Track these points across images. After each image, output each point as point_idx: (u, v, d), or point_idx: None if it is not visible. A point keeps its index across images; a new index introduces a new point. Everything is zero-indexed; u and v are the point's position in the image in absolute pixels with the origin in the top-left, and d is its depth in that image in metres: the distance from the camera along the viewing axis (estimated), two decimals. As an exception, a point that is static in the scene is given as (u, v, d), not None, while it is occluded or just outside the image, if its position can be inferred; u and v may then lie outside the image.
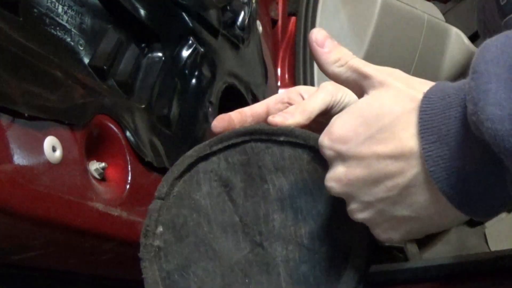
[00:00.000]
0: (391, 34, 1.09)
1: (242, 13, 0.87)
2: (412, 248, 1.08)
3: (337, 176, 0.43)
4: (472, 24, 1.23)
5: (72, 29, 0.58)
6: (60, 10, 0.56)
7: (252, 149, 0.51)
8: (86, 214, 0.50)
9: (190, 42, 0.73)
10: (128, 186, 0.57)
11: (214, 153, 0.52)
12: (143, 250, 0.51)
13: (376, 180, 0.40)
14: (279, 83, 1.18)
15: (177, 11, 0.73)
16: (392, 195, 0.40)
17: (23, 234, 0.48)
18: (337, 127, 0.42)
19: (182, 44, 0.73)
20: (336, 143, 0.42)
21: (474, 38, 1.26)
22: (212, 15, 0.79)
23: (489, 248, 1.08)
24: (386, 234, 0.43)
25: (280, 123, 0.50)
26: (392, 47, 1.10)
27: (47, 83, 0.50)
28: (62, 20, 0.56)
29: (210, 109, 0.75)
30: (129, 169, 0.58)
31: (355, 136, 0.41)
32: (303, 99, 0.54)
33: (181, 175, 0.52)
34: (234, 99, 0.84)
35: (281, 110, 0.53)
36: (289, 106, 0.54)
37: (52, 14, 0.55)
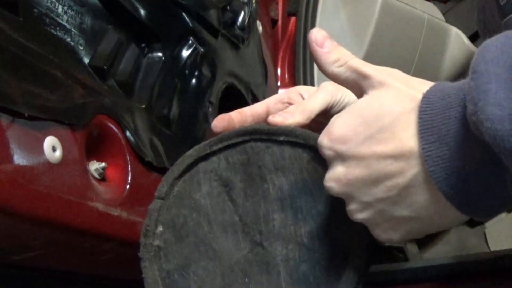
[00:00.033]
0: (391, 34, 1.09)
1: (242, 13, 0.87)
2: (412, 248, 1.08)
3: (336, 176, 0.43)
4: (472, 24, 1.23)
5: (72, 29, 0.58)
6: (60, 10, 0.56)
7: (252, 149, 0.51)
8: (86, 214, 0.50)
9: (190, 42, 0.73)
10: (128, 186, 0.57)
11: (214, 153, 0.52)
12: (143, 249, 0.51)
13: (375, 180, 0.40)
14: (279, 83, 1.18)
15: (177, 11, 0.73)
16: (392, 195, 0.40)
17: (23, 234, 0.48)
18: (337, 127, 0.42)
19: (182, 44, 0.73)
20: (336, 143, 0.42)
21: (474, 38, 1.26)
22: (212, 15, 0.79)
23: (489, 248, 1.08)
24: (385, 235, 0.43)
25: (280, 123, 0.50)
26: (392, 47, 1.10)
27: (47, 83, 0.50)
28: (62, 20, 0.56)
29: (210, 109, 0.75)
30: (129, 169, 0.58)
31: (354, 136, 0.41)
32: (303, 99, 0.54)
33: (181, 175, 0.52)
34: (234, 99, 0.84)
35: (281, 110, 0.53)
36: (289, 106, 0.54)
37: (52, 14, 0.55)
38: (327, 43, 0.46)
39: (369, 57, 1.06)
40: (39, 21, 0.53)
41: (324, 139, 0.43)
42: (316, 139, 0.46)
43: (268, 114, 0.54)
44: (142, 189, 0.58)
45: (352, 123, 0.42)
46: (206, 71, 0.76)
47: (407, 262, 0.90)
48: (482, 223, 1.11)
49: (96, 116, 0.55)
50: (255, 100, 0.88)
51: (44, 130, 0.48)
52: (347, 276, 0.48)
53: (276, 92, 1.10)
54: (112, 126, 0.57)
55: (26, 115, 0.45)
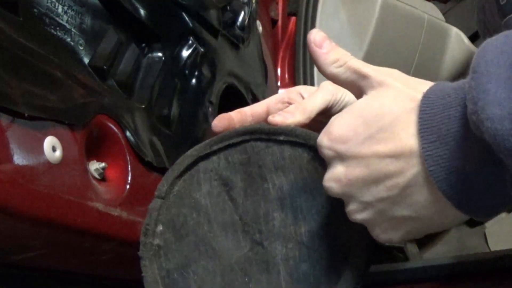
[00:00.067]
0: (391, 34, 1.09)
1: (242, 13, 0.87)
2: (412, 248, 1.08)
3: (336, 176, 0.42)
4: (472, 24, 1.23)
5: (72, 29, 0.58)
6: (60, 10, 0.56)
7: (252, 149, 0.51)
8: (86, 214, 0.50)
9: (190, 42, 0.73)
10: (128, 186, 0.57)
11: (214, 153, 0.52)
12: (143, 248, 0.51)
13: (376, 180, 0.40)
14: (279, 83, 1.18)
15: (177, 11, 0.73)
16: (392, 194, 0.40)
17: (23, 234, 0.48)
18: (337, 126, 0.42)
19: (182, 44, 0.73)
20: (336, 142, 0.42)
21: (474, 38, 1.26)
22: (212, 15, 0.79)
23: (489, 248, 1.08)
24: (385, 235, 0.43)
25: (280, 123, 0.50)
26: (392, 47, 1.10)
27: (47, 83, 0.50)
28: (62, 20, 0.56)
29: (210, 109, 0.75)
30: (129, 169, 0.58)
31: (354, 135, 0.41)
32: (303, 98, 0.54)
33: (181, 174, 0.52)
34: (234, 99, 0.84)
35: (281, 110, 0.53)
36: (289, 106, 0.54)
37: (52, 14, 0.55)
38: (325, 44, 0.46)
39: (369, 57, 1.06)
40: (39, 21, 0.53)
41: (324, 139, 0.43)
42: (316, 139, 0.46)
43: (268, 114, 0.54)
44: (142, 189, 0.58)
45: (352, 123, 0.42)
46: (206, 71, 0.75)
47: (407, 262, 0.90)
48: (482, 223, 1.11)
49: (96, 116, 0.55)
50: (255, 100, 0.88)
51: (44, 130, 0.48)
52: (347, 276, 0.48)
53: (276, 92, 1.10)
54: (112, 126, 0.57)
55: (26, 115, 0.45)
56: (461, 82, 0.38)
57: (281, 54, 1.20)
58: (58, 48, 0.55)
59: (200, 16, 0.76)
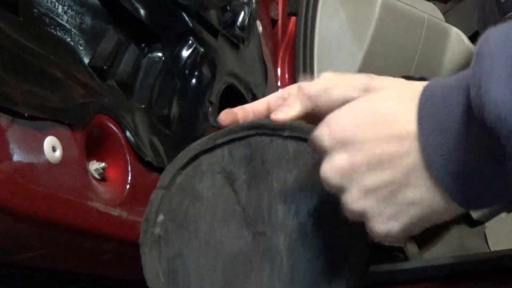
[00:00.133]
0: (391, 34, 1.09)
1: (242, 13, 0.87)
2: (412, 248, 1.08)
3: (338, 165, 0.42)
4: (472, 24, 1.23)
5: (72, 29, 0.58)
6: (60, 10, 0.56)
7: (256, 143, 0.51)
8: (86, 214, 0.50)
9: (190, 42, 0.73)
10: (128, 186, 0.57)
11: (218, 146, 0.52)
12: (143, 237, 0.51)
13: (379, 164, 0.40)
14: (279, 83, 1.18)
15: (177, 11, 0.73)
16: (395, 179, 0.40)
17: (23, 234, 0.48)
18: (337, 117, 0.42)
19: (182, 44, 0.73)
20: (336, 131, 0.42)
21: (474, 38, 1.26)
22: (212, 15, 0.79)
23: (489, 248, 1.08)
24: (385, 225, 0.41)
25: (283, 119, 0.50)
26: (392, 47, 1.10)
27: (47, 83, 0.50)
28: (62, 20, 0.56)
29: (210, 109, 0.75)
30: (129, 169, 0.58)
31: (355, 122, 0.41)
32: None
33: (184, 166, 0.52)
34: (234, 99, 0.84)
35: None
36: None
37: (52, 14, 0.55)
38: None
39: (369, 57, 1.06)
40: (39, 21, 0.53)
41: (323, 129, 0.43)
42: None
43: (269, 111, 0.54)
44: (142, 189, 0.58)
45: (353, 113, 0.42)
46: (206, 71, 0.76)
47: (407, 262, 0.90)
48: (482, 223, 1.11)
49: (96, 116, 0.55)
50: (255, 100, 0.88)
51: (44, 130, 0.48)
52: (347, 276, 0.48)
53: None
54: (112, 126, 0.57)
55: (26, 115, 0.45)
56: (461, 72, 0.38)
57: (281, 54, 1.20)
58: (58, 48, 0.55)
59: (200, 16, 0.76)
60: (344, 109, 0.43)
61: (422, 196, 0.39)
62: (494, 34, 0.34)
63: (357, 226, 0.45)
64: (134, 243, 0.53)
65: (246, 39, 0.89)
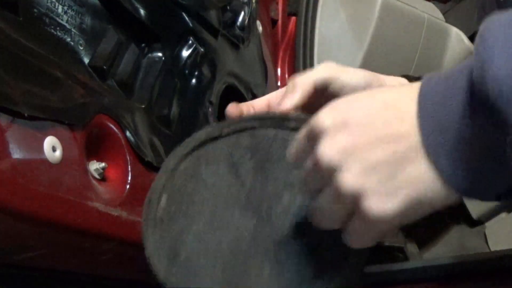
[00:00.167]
0: (391, 34, 1.09)
1: (242, 13, 0.87)
2: (412, 248, 1.08)
3: (340, 143, 0.41)
4: (472, 24, 1.23)
5: (72, 29, 0.58)
6: (60, 10, 0.56)
7: (262, 135, 0.51)
8: (86, 214, 0.50)
9: (190, 42, 0.73)
10: (128, 186, 0.57)
11: (224, 136, 0.52)
12: (145, 217, 0.50)
13: (382, 140, 0.40)
14: (279, 83, 1.18)
15: (177, 11, 0.73)
16: (399, 153, 0.39)
17: (23, 234, 0.48)
18: (340, 100, 0.42)
19: (182, 44, 0.73)
20: (341, 113, 0.42)
21: (474, 38, 1.26)
22: (212, 15, 0.79)
23: (489, 248, 1.08)
24: (382, 204, 0.40)
25: (290, 105, 0.51)
26: (392, 47, 1.10)
27: (47, 83, 0.50)
28: (62, 20, 0.56)
29: (210, 109, 0.75)
30: (129, 169, 0.58)
31: (359, 103, 0.41)
32: None
33: (189, 153, 0.52)
34: (234, 99, 0.84)
35: None
36: None
37: (52, 14, 0.55)
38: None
39: (369, 57, 1.06)
40: (39, 21, 0.53)
41: (327, 111, 0.42)
42: None
43: (269, 108, 0.55)
44: (142, 189, 0.58)
45: (357, 98, 0.42)
46: (206, 71, 0.76)
47: (407, 262, 0.90)
48: (482, 223, 1.11)
49: (96, 116, 0.55)
50: (255, 100, 0.88)
51: (44, 130, 0.48)
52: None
53: (276, 92, 1.10)
54: (112, 126, 0.57)
55: (26, 115, 0.45)
56: (462, 64, 0.38)
57: (281, 54, 1.20)
58: (58, 48, 0.55)
59: (200, 16, 0.76)
60: (348, 96, 0.43)
61: (421, 175, 0.39)
62: (497, 17, 0.34)
63: None
64: (134, 243, 0.53)
65: (246, 39, 0.89)
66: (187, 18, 0.74)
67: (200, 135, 0.53)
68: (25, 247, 0.50)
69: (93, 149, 0.55)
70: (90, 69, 0.58)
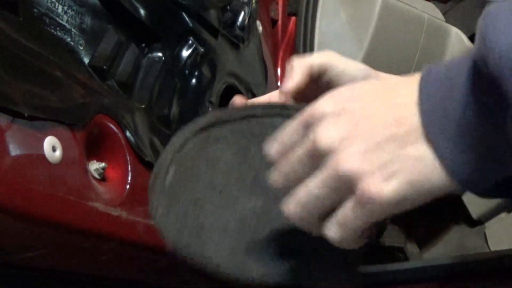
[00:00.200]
0: (391, 34, 1.09)
1: (242, 13, 0.87)
2: (412, 248, 1.08)
3: (340, 127, 0.40)
4: (472, 24, 1.23)
5: (72, 29, 0.58)
6: (60, 10, 0.56)
7: (269, 122, 0.52)
8: (86, 214, 0.50)
9: (190, 42, 0.73)
10: (128, 186, 0.57)
11: (232, 120, 0.52)
12: (151, 187, 0.49)
13: (385, 123, 0.39)
14: (279, 83, 1.18)
15: (177, 11, 0.73)
16: (401, 133, 0.39)
17: (23, 234, 0.48)
18: (342, 89, 0.42)
19: (182, 44, 0.73)
20: (342, 99, 0.41)
21: (474, 38, 1.26)
22: (212, 15, 0.79)
23: (489, 248, 1.08)
24: (379, 185, 0.39)
25: (291, 86, 0.53)
26: (392, 47, 1.10)
27: (47, 83, 0.50)
28: (62, 20, 0.56)
29: (210, 109, 0.75)
30: (129, 169, 0.58)
31: (360, 91, 0.42)
32: None
33: (198, 132, 0.52)
34: (234, 99, 0.84)
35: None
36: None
37: (52, 14, 0.55)
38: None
39: (369, 57, 1.06)
40: (39, 21, 0.53)
41: (327, 97, 0.42)
42: None
43: None
44: (142, 189, 0.58)
45: (359, 86, 0.42)
46: (206, 71, 0.76)
47: (407, 262, 0.90)
48: (482, 223, 1.11)
49: (96, 116, 0.55)
50: (255, 100, 0.88)
51: (44, 130, 0.48)
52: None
53: (276, 92, 1.10)
54: (112, 126, 0.57)
55: (26, 115, 0.45)
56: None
57: (281, 54, 1.20)
58: (58, 48, 0.55)
59: (200, 16, 0.76)
60: (349, 85, 0.43)
61: (421, 157, 0.38)
62: (501, 2, 0.34)
63: None
64: (134, 243, 0.53)
65: (246, 39, 0.89)
66: (187, 18, 0.74)
67: (210, 117, 0.52)
68: (25, 247, 0.50)
69: (93, 149, 0.55)
70: (90, 69, 0.58)
